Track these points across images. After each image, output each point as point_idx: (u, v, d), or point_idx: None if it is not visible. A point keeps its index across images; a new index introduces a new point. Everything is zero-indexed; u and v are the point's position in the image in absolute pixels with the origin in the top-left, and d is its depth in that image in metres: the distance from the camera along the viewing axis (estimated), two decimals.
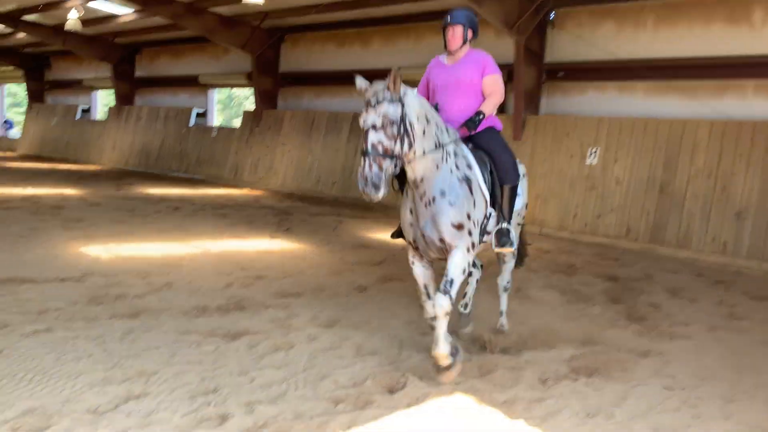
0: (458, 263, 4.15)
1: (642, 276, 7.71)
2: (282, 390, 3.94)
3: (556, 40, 11.42)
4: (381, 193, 3.74)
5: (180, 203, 12.29)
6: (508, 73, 12.00)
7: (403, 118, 3.84)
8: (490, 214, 4.48)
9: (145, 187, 14.77)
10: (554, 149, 11.05)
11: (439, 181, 4.12)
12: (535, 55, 11.31)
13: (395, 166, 3.89)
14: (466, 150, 4.42)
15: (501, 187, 4.54)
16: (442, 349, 4.10)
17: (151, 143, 19.51)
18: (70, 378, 3.90)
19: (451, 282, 4.12)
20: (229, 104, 37.11)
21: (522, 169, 5.02)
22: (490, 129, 4.73)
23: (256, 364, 4.36)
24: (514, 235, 4.62)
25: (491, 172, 4.51)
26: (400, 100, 3.85)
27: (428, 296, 4.38)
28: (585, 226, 10.38)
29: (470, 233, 4.20)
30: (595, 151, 10.53)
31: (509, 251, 4.74)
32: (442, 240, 4.15)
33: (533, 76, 11.43)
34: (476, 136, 4.66)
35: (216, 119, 20.16)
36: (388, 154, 3.79)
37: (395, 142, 3.82)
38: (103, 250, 7.59)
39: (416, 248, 4.35)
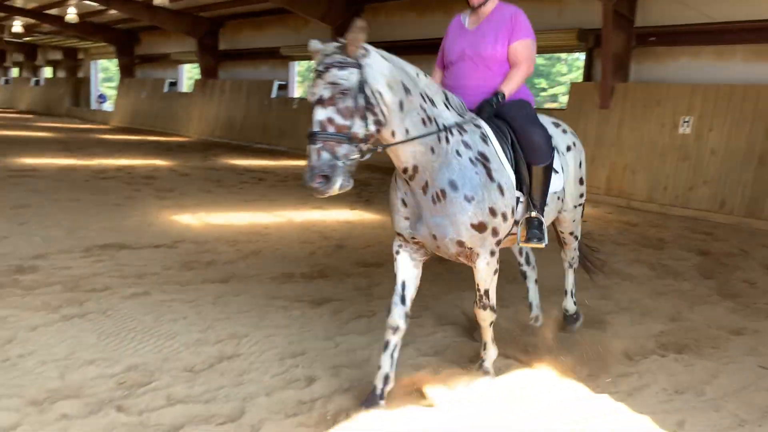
0: (485, 275, 3.46)
1: (737, 251, 7.35)
2: (366, 355, 4.03)
3: (648, 2, 10.88)
4: (336, 186, 2.85)
5: (264, 174, 12.63)
6: (596, 38, 11.59)
7: (362, 87, 2.91)
8: (517, 200, 3.54)
9: (230, 159, 15.25)
10: (644, 118, 10.60)
11: (445, 169, 3.21)
12: (624, 19, 10.83)
13: (360, 154, 2.96)
14: (477, 118, 3.46)
15: (529, 168, 3.56)
16: (492, 354, 3.75)
17: (235, 115, 20.06)
18: (168, 338, 4.13)
19: (486, 293, 3.54)
20: (309, 76, 37.56)
21: (568, 138, 4.11)
22: (517, 101, 3.71)
23: (340, 329, 4.47)
24: (546, 227, 3.68)
25: (512, 146, 3.54)
26: (357, 64, 2.92)
27: (402, 300, 3.45)
28: (676, 198, 9.96)
29: (496, 232, 3.35)
30: (689, 120, 10.03)
31: (539, 246, 3.69)
32: (461, 243, 3.30)
33: (622, 41, 10.96)
34: (499, 107, 3.66)
35: (297, 91, 20.48)
36: (344, 134, 2.88)
37: (353, 119, 2.90)
38: (194, 219, 7.94)
39: (410, 241, 3.48)
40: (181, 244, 6.57)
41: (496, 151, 3.40)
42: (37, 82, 36.10)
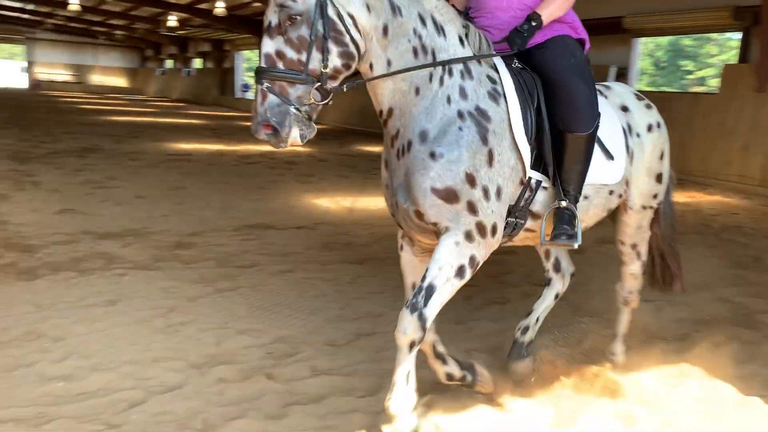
0: (444, 258, 2.53)
1: None
2: (498, 341, 4.05)
3: None
4: (290, 138, 2.30)
5: None
6: (754, 15, 10.70)
7: (323, 9, 2.27)
8: (538, 184, 2.74)
9: (364, 145, 15.71)
10: None
11: (423, 116, 2.51)
12: None
13: (323, 95, 2.35)
14: (501, 66, 2.70)
15: (562, 136, 2.70)
16: (396, 399, 2.65)
17: (369, 104, 20.45)
18: (311, 313, 4.39)
19: (428, 291, 2.53)
20: None
21: (652, 116, 3.25)
22: (561, 39, 2.85)
23: (472, 315, 4.52)
24: (580, 224, 2.80)
25: (539, 109, 2.71)
26: None
27: None
28: None
29: (473, 209, 2.52)
30: None
31: (567, 247, 2.83)
32: (419, 214, 2.56)
33: None
34: (534, 49, 2.82)
35: None
36: (297, 72, 2.28)
37: (309, 52, 2.28)
38: (332, 202, 8.29)
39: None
40: (320, 226, 6.90)
41: (508, 113, 2.60)
42: (188, 73, 38.93)
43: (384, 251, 6.04)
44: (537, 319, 3.62)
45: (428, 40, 2.49)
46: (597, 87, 3.07)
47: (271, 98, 2.27)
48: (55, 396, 3.17)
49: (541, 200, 2.79)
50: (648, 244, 3.53)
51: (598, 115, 2.79)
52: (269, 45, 2.30)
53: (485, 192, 2.54)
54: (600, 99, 2.96)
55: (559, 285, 3.68)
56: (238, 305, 4.49)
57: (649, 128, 3.24)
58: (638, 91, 3.61)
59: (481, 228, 2.57)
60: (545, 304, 3.66)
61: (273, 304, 4.54)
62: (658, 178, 3.33)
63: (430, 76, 2.51)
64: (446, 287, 2.57)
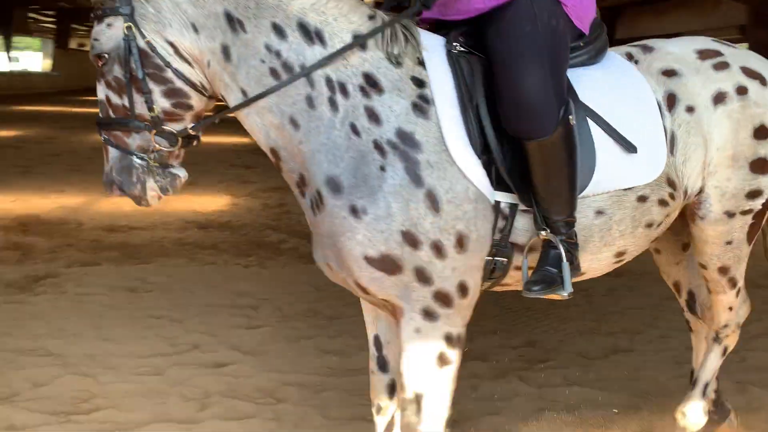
0: (412, 358, 1.94)
1: None
2: None
3: None
4: (148, 193, 1.96)
5: None
6: None
7: (127, 45, 1.88)
8: (513, 208, 1.99)
9: None
10: None
11: (322, 155, 1.90)
12: None
13: (170, 141, 1.95)
14: (432, 57, 1.97)
15: (519, 145, 1.94)
16: None
17: None
18: (562, 321, 4.36)
19: (417, 403, 1.94)
20: None
21: (724, 80, 2.25)
22: (509, 6, 1.95)
23: (747, 344, 4.06)
24: (564, 260, 1.99)
25: (477, 107, 1.95)
26: (119, 7, 1.87)
27: (380, 365, 2.30)
28: None
29: (424, 276, 1.88)
30: None
31: (552, 297, 2.06)
32: (361, 287, 1.97)
33: None
34: (481, 24, 2.02)
35: None
36: (125, 119, 1.94)
37: (128, 95, 1.92)
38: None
39: None
40: None
41: (439, 125, 1.89)
42: None
43: (641, 265, 5.70)
44: (708, 383, 2.72)
45: (292, 56, 1.89)
46: (629, 49, 2.33)
47: (113, 152, 1.98)
48: (331, 368, 3.58)
49: (525, 227, 2.04)
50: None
51: (564, 111, 1.94)
52: (99, 91, 2.00)
53: (437, 249, 1.88)
54: (625, 66, 2.22)
55: (703, 328, 2.84)
56: (488, 304, 4.57)
57: (719, 98, 2.23)
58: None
59: (442, 297, 1.91)
60: (700, 357, 2.83)
61: (523, 307, 4.57)
62: (759, 165, 2.27)
63: (309, 100, 1.90)
64: (435, 387, 1.95)
